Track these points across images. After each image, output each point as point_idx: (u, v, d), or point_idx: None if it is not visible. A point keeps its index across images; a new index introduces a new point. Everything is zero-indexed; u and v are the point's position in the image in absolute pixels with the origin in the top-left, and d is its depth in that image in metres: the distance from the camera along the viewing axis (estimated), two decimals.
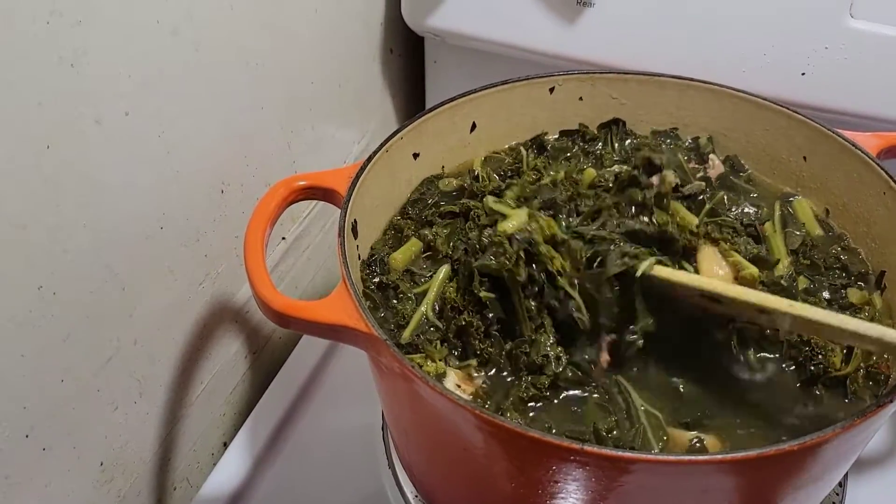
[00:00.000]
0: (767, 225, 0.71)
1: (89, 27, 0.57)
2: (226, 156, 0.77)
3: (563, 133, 0.82)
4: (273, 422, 0.83)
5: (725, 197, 0.74)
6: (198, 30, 0.69)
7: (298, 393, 0.85)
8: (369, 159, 0.71)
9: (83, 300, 0.63)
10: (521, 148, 0.81)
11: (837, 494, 0.75)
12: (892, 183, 0.66)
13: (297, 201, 0.68)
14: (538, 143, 0.81)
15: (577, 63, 0.89)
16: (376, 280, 0.68)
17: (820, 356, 0.61)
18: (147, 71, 0.64)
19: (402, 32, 1.03)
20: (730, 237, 0.66)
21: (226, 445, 0.83)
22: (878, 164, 0.68)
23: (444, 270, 0.68)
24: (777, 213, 0.72)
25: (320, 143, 0.93)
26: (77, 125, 0.58)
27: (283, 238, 0.90)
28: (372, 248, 0.72)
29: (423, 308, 0.65)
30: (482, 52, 0.98)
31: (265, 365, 0.91)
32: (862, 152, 0.69)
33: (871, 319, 0.65)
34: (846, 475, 0.75)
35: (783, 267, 0.67)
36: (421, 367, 0.59)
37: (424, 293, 0.67)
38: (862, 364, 0.62)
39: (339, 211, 0.66)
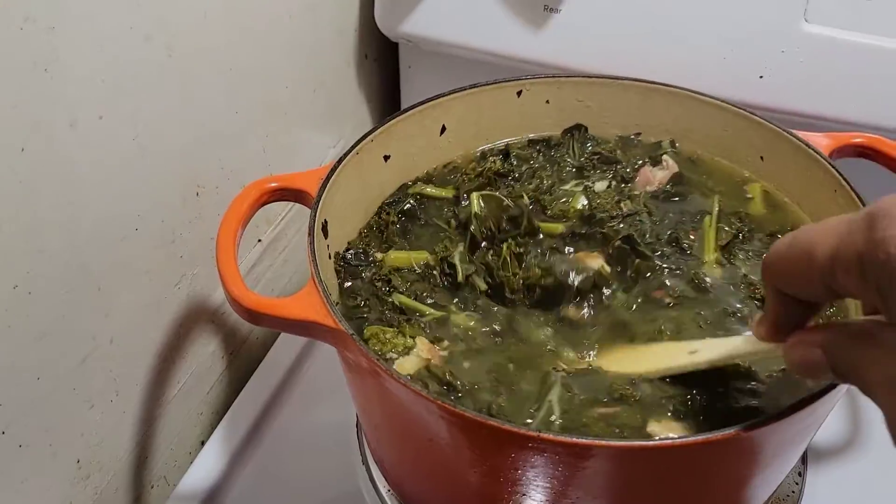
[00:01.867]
0: (706, 219, 0.74)
1: (62, 33, 0.59)
2: (201, 159, 0.79)
3: (530, 142, 0.84)
4: (249, 420, 0.84)
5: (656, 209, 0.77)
6: (171, 35, 0.70)
7: (274, 392, 0.86)
8: (339, 161, 0.73)
9: (59, 299, 0.64)
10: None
11: (797, 484, 0.77)
12: (843, 181, 0.69)
13: (270, 202, 0.70)
14: (504, 153, 0.83)
15: (546, 67, 0.92)
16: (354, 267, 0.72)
17: None
18: (120, 75, 0.65)
19: (377, 38, 1.05)
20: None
21: (203, 444, 0.84)
22: (829, 164, 0.71)
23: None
24: (716, 208, 0.75)
25: (296, 148, 0.95)
26: (51, 128, 0.60)
27: (259, 240, 0.92)
28: (349, 245, 0.74)
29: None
30: (456, 57, 1.00)
31: (242, 365, 0.92)
32: (815, 152, 0.72)
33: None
34: (805, 465, 0.78)
35: (709, 264, 0.70)
36: (390, 341, 0.62)
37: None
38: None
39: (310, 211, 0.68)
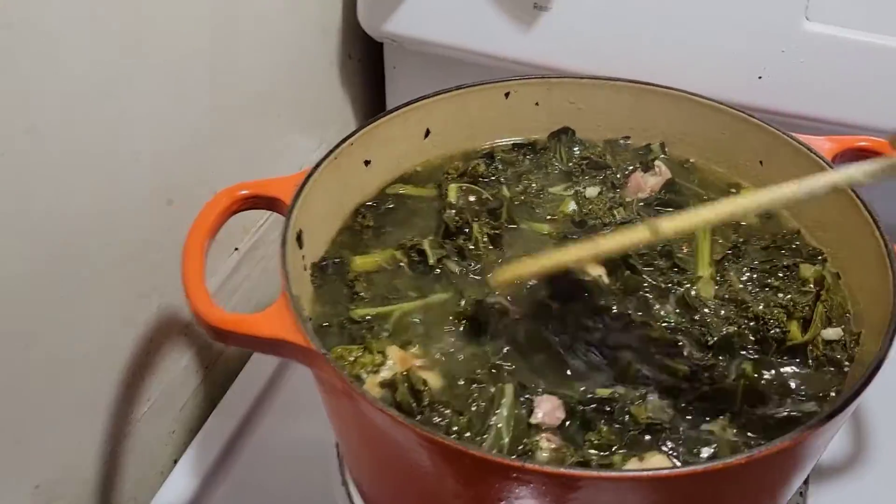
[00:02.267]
0: (700, 231, 0.70)
1: (22, 32, 0.55)
2: (174, 165, 0.75)
3: (515, 146, 0.81)
4: (224, 438, 0.80)
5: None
6: (143, 36, 0.67)
7: (251, 408, 0.82)
8: (316, 167, 0.69)
9: (22, 311, 0.61)
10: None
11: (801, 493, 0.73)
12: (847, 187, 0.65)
13: (241, 211, 0.66)
14: (488, 155, 0.79)
15: (535, 67, 0.88)
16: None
17: (777, 327, 0.62)
18: (83, 77, 0.62)
19: (361, 38, 1.01)
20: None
21: (175, 463, 0.80)
22: (832, 168, 0.67)
23: None
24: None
25: (278, 151, 0.91)
26: (7, 134, 0.56)
27: (236, 249, 0.88)
28: (325, 254, 0.70)
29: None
30: (442, 58, 0.96)
31: (218, 379, 0.88)
32: (817, 156, 0.68)
33: (827, 291, 0.65)
34: (806, 484, 0.74)
35: (704, 280, 0.67)
36: (358, 360, 0.59)
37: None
38: (821, 333, 0.62)
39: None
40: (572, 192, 0.76)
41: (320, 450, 0.77)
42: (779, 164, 0.72)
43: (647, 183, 0.75)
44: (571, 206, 0.74)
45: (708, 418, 0.58)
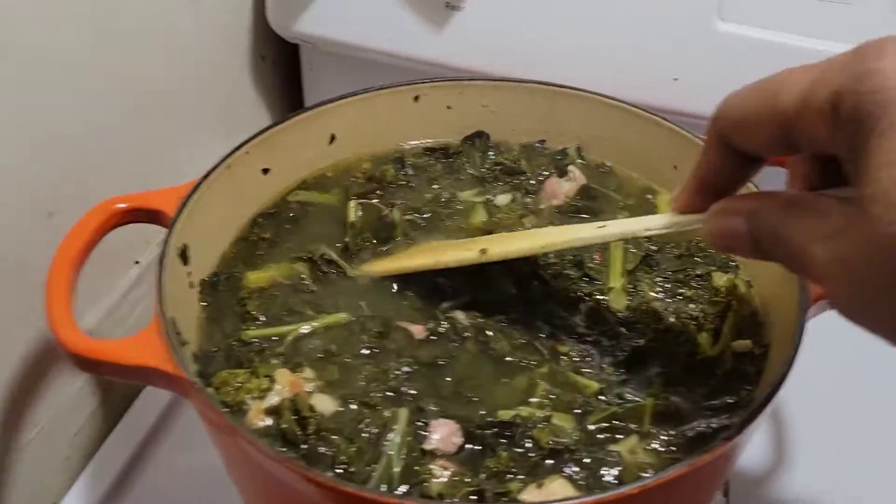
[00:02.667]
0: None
1: None
2: (54, 176, 0.70)
3: (426, 150, 0.77)
4: (119, 464, 0.76)
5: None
6: (6, 34, 0.62)
7: (150, 432, 0.78)
8: (205, 176, 0.65)
9: None
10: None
11: None
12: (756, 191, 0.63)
13: (120, 226, 0.62)
14: (398, 160, 0.76)
15: (450, 69, 0.85)
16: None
17: (687, 340, 0.60)
18: None
19: (275, 39, 0.97)
20: None
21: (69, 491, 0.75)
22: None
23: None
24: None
25: (181, 159, 0.86)
26: None
27: (137, 262, 0.83)
28: (217, 269, 0.66)
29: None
30: (360, 59, 0.93)
31: (118, 400, 0.83)
32: None
33: (738, 301, 0.63)
34: (727, 497, 0.72)
35: (616, 291, 0.64)
36: (243, 386, 0.55)
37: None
38: (731, 345, 0.60)
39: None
40: (483, 199, 0.72)
41: (221, 477, 0.73)
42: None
43: (562, 189, 0.72)
44: (481, 215, 0.70)
45: (619, 436, 0.55)
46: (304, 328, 0.61)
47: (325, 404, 0.55)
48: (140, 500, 0.73)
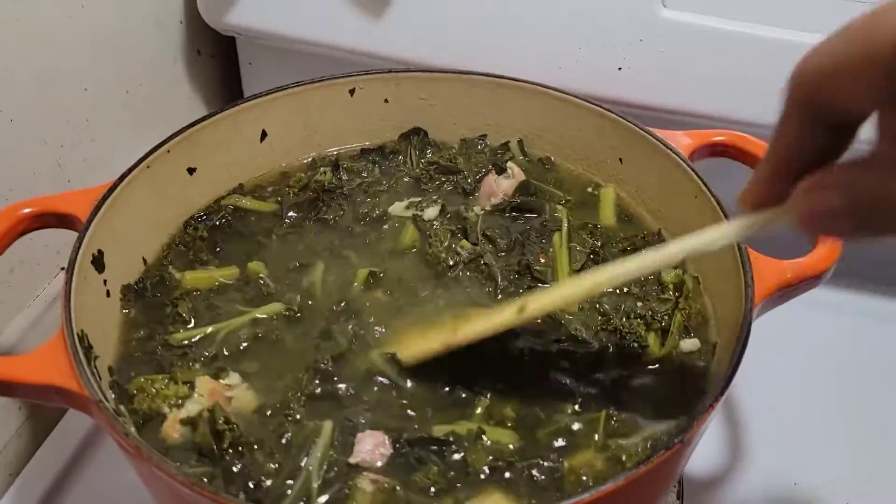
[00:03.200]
0: (556, 237, 0.65)
1: None
2: None
3: (363, 151, 0.74)
4: (46, 482, 0.71)
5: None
6: None
7: (77, 449, 0.73)
8: (122, 178, 0.61)
9: None
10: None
11: None
12: (703, 186, 0.61)
13: (28, 232, 0.58)
14: (334, 164, 0.73)
15: (388, 61, 0.81)
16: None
17: (635, 341, 0.58)
18: None
19: (210, 31, 0.93)
20: None
21: None
22: (689, 167, 0.63)
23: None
24: (565, 223, 0.66)
25: (106, 159, 0.82)
26: None
27: (63, 268, 0.79)
28: (144, 273, 0.63)
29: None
30: (299, 53, 0.89)
31: (46, 417, 0.79)
32: (674, 153, 0.64)
33: (685, 298, 0.60)
34: (682, 500, 0.70)
35: None
36: (160, 392, 0.52)
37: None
38: (679, 345, 0.58)
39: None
40: (411, 213, 0.68)
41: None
42: (638, 162, 0.68)
43: (500, 187, 0.69)
44: (411, 234, 0.66)
45: (569, 449, 0.52)
46: (236, 324, 0.58)
47: (248, 414, 0.52)
48: None
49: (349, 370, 0.55)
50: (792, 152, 0.38)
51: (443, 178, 0.71)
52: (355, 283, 0.62)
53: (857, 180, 0.35)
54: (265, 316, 0.59)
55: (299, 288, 0.62)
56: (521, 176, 0.69)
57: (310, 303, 0.60)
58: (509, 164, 0.69)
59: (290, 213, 0.69)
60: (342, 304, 0.60)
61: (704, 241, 0.45)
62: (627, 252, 0.64)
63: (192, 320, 0.59)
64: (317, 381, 0.54)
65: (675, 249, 0.46)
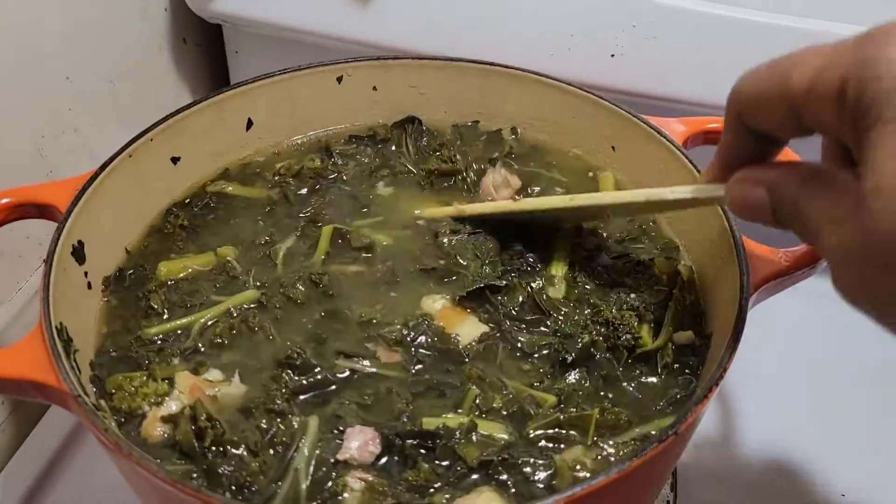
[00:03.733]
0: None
1: None
2: None
3: (352, 137, 0.73)
4: (29, 478, 0.70)
5: None
6: None
7: (61, 445, 0.72)
8: (103, 167, 0.60)
9: None
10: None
11: (668, 503, 0.68)
12: (697, 173, 0.60)
13: (7, 222, 0.57)
14: (325, 150, 0.71)
15: (377, 49, 0.80)
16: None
17: (627, 333, 0.56)
18: None
19: (196, 19, 0.91)
20: None
21: None
22: (683, 154, 0.62)
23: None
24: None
25: (89, 149, 0.80)
26: None
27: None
28: (124, 264, 0.62)
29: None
30: (286, 41, 0.87)
31: (29, 412, 0.78)
32: (667, 140, 0.63)
33: (680, 289, 0.59)
34: (675, 492, 0.69)
35: (558, 280, 0.60)
36: (139, 391, 0.51)
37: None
38: (672, 337, 0.56)
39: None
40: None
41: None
42: (631, 149, 0.67)
43: (501, 195, 0.68)
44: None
45: (561, 445, 0.51)
46: (210, 315, 0.57)
47: (229, 411, 0.51)
48: None
49: (328, 359, 0.54)
50: (731, 151, 0.45)
51: (444, 182, 0.69)
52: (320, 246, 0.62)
53: (778, 183, 0.40)
54: (240, 305, 0.58)
55: (265, 265, 0.61)
56: (517, 184, 0.68)
57: (276, 276, 0.60)
58: (504, 173, 0.68)
59: (281, 198, 0.67)
60: (313, 275, 0.59)
61: (666, 191, 0.53)
62: (625, 242, 0.63)
63: (166, 313, 0.58)
64: (298, 375, 0.53)
65: (640, 193, 0.55)
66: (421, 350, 0.55)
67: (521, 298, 0.59)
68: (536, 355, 0.56)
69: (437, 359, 0.55)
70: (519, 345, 0.56)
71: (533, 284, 0.60)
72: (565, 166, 0.71)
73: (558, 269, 0.61)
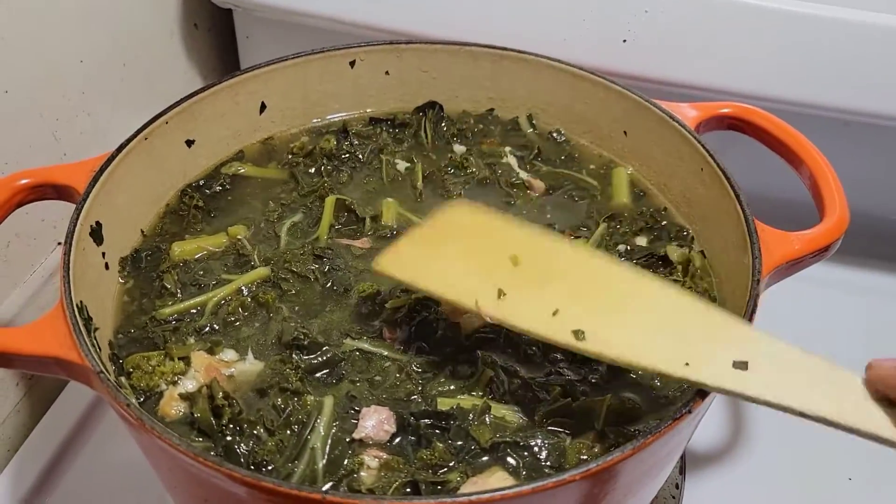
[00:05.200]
0: (580, 242, 0.63)
1: None
2: None
3: (372, 120, 0.73)
4: (45, 458, 0.71)
5: None
6: None
7: (77, 424, 0.73)
8: (120, 149, 0.60)
9: None
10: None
11: (674, 498, 0.69)
12: (710, 158, 0.60)
13: (25, 203, 0.57)
14: (342, 130, 0.72)
15: (389, 34, 0.80)
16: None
17: None
18: None
19: (207, 4, 0.91)
20: None
21: None
22: (695, 138, 0.62)
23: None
24: (600, 229, 0.64)
25: (102, 132, 0.81)
26: None
27: (60, 243, 0.78)
28: (140, 245, 0.63)
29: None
30: (297, 25, 0.87)
31: (46, 391, 0.78)
32: (679, 125, 0.63)
33: (692, 277, 0.59)
34: (683, 475, 0.70)
35: None
36: (156, 370, 0.52)
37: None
38: None
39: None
40: None
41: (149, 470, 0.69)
42: (642, 134, 0.67)
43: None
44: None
45: (567, 432, 0.51)
46: (223, 294, 0.57)
47: (245, 389, 0.52)
48: (69, 491, 0.69)
49: (335, 338, 0.55)
50: None
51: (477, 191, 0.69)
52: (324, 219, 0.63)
53: None
54: (251, 282, 0.59)
55: (272, 242, 0.62)
56: (541, 187, 0.68)
57: (280, 251, 0.61)
58: (528, 178, 0.68)
59: (294, 178, 0.68)
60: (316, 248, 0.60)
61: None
62: (639, 234, 0.64)
63: (180, 293, 0.58)
64: (307, 355, 0.53)
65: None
66: (423, 327, 0.55)
67: None
68: (537, 356, 0.55)
69: (440, 342, 0.55)
70: (525, 340, 0.55)
71: None
72: (584, 155, 0.71)
73: None
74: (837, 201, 0.56)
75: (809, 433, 0.71)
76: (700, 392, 0.45)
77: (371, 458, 0.48)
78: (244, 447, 0.47)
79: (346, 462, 0.48)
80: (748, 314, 0.50)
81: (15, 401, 0.76)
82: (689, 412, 0.44)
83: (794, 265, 0.55)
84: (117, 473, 0.69)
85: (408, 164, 0.69)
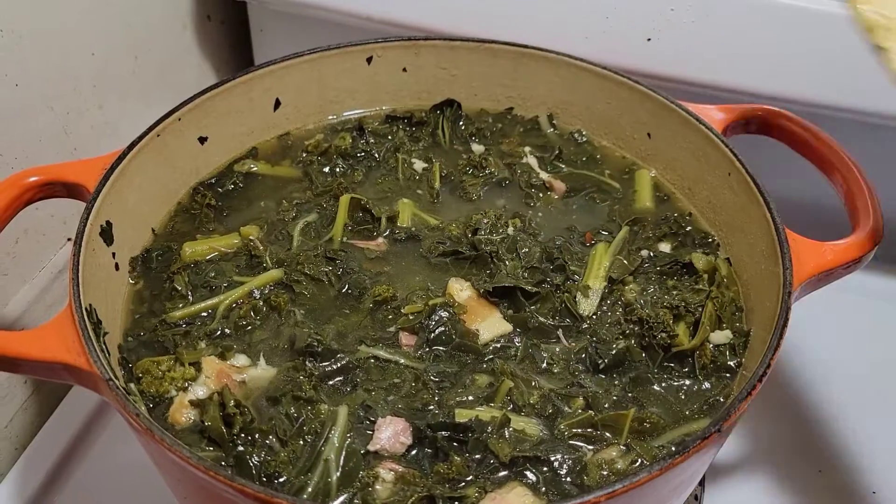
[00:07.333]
0: (601, 247, 0.61)
1: None
2: None
3: (388, 118, 0.72)
4: (53, 457, 0.70)
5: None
6: None
7: (84, 423, 0.72)
8: (131, 147, 0.59)
9: None
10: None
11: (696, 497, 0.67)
12: (738, 163, 0.58)
13: (36, 201, 0.56)
14: (357, 128, 0.70)
15: (406, 30, 0.78)
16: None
17: (663, 331, 0.54)
18: None
19: None
20: None
21: None
22: (722, 142, 0.60)
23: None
24: (622, 233, 0.62)
25: (113, 126, 0.79)
26: None
27: (69, 239, 0.77)
28: (151, 244, 0.61)
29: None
30: (312, 19, 0.86)
31: (54, 389, 0.77)
32: (706, 127, 0.61)
33: (718, 286, 0.57)
34: (703, 486, 0.68)
35: (594, 289, 0.58)
36: (166, 375, 0.51)
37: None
38: (710, 336, 0.55)
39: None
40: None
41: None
42: (667, 136, 0.65)
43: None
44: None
45: (591, 446, 0.50)
46: (234, 297, 0.56)
47: (257, 395, 0.50)
48: (75, 491, 0.68)
49: (349, 344, 0.53)
50: None
51: (495, 193, 0.67)
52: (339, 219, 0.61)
53: None
54: (263, 285, 0.57)
55: (285, 243, 0.61)
56: (562, 188, 0.66)
57: (293, 253, 0.59)
58: (548, 179, 0.66)
59: (308, 176, 0.67)
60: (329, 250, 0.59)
61: None
62: (663, 239, 0.62)
63: (190, 295, 0.57)
64: (321, 362, 0.52)
65: None
66: (439, 334, 0.54)
67: (553, 306, 0.57)
68: (557, 366, 0.54)
69: (453, 350, 0.53)
70: (543, 353, 0.54)
71: (567, 295, 0.57)
72: (606, 157, 0.69)
73: (595, 283, 0.59)
74: (871, 210, 0.54)
75: (830, 445, 0.71)
76: (728, 409, 0.44)
77: (386, 471, 0.46)
78: (256, 458, 0.46)
79: (360, 475, 0.46)
80: (779, 327, 0.48)
81: (22, 399, 0.75)
82: (719, 431, 0.42)
83: (825, 276, 0.53)
84: (126, 474, 0.68)
85: (425, 164, 0.68)
